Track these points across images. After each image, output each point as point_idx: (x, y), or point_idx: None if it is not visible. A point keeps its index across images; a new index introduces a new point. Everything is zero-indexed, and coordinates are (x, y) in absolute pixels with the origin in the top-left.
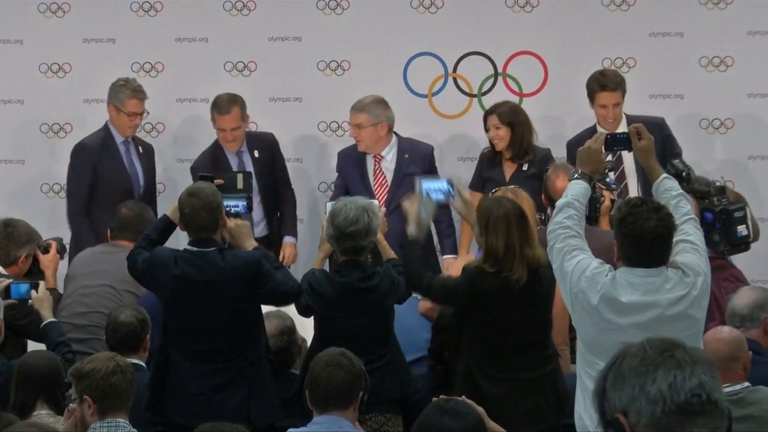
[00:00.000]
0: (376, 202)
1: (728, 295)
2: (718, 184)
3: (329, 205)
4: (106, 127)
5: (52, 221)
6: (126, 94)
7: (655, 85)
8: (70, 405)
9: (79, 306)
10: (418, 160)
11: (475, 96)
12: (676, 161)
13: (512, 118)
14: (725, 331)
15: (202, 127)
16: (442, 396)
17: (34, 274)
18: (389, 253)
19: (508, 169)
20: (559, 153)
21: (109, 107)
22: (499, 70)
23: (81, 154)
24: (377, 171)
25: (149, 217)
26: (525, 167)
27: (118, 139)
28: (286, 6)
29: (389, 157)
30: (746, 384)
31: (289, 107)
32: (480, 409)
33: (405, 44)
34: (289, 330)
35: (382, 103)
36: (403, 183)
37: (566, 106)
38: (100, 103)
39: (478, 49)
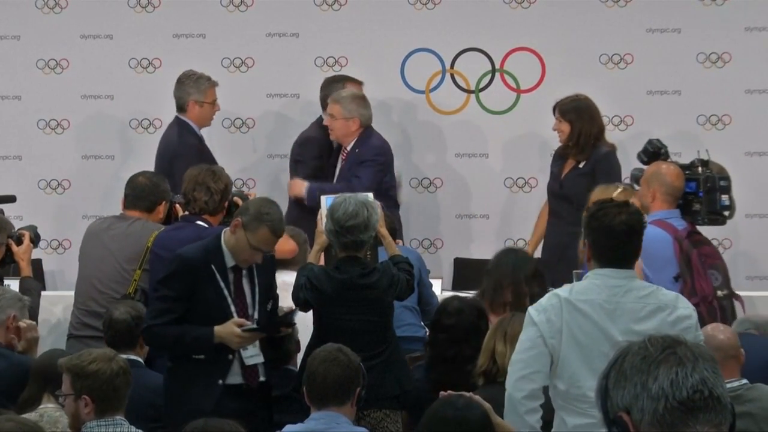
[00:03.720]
0: (371, 195)
1: (709, 271)
2: (701, 157)
3: (324, 198)
4: (185, 124)
5: (49, 217)
6: (206, 84)
7: (653, 82)
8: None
9: (93, 291)
10: (365, 155)
11: (472, 92)
12: (654, 139)
13: (572, 114)
14: (727, 328)
15: None
16: (449, 391)
17: (8, 264)
18: (393, 249)
19: (567, 166)
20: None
21: (189, 104)
22: (497, 66)
23: (192, 153)
24: (342, 162)
25: (165, 188)
26: (582, 165)
27: (198, 133)
28: (283, 2)
29: (348, 148)
30: (744, 381)
31: (286, 103)
32: (487, 405)
33: (402, 40)
34: None
35: (358, 99)
36: (344, 178)
37: None
38: (98, 99)
39: (476, 45)
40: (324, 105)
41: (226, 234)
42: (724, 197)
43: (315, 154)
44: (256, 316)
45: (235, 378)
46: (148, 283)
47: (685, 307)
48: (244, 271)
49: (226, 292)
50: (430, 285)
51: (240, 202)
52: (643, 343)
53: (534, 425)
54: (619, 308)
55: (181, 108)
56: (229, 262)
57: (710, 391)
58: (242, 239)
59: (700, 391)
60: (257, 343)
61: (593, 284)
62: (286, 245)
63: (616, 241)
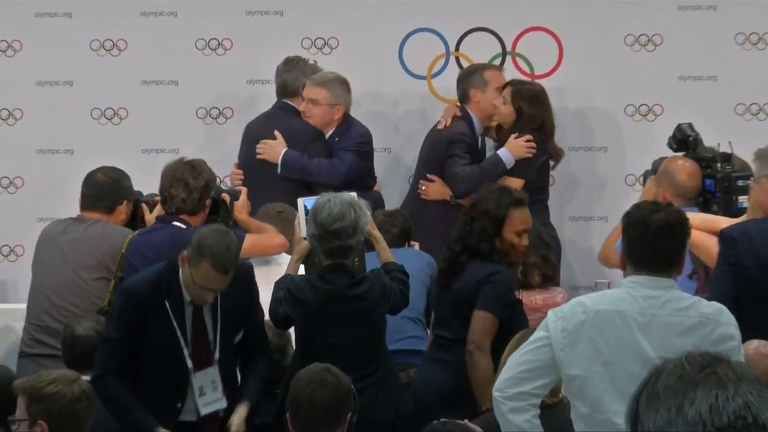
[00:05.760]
0: (355, 195)
1: None
2: (724, 150)
3: (302, 201)
4: (297, 111)
5: (0, 220)
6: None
7: (685, 66)
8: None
9: (47, 304)
10: (342, 145)
11: None
12: (684, 125)
13: (525, 104)
14: None
15: (171, 112)
16: (442, 419)
17: None
18: (387, 255)
19: None
20: (577, 143)
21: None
22: (508, 48)
23: (324, 139)
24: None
25: (126, 186)
26: None
27: None
28: None
29: (327, 137)
30: None
31: (269, 90)
32: None
33: (401, 19)
34: (274, 348)
35: (345, 84)
36: None
37: (583, 90)
38: (55, 86)
39: (484, 24)
40: (463, 101)
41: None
42: (743, 199)
43: (467, 150)
44: (217, 356)
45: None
46: None
47: (729, 323)
48: None
49: (179, 332)
50: None
51: (227, 198)
52: (680, 361)
53: (521, 424)
54: (654, 321)
55: (293, 91)
56: (187, 296)
57: (755, 418)
58: (188, 275)
59: (742, 418)
60: (218, 386)
61: (626, 293)
62: (273, 239)
63: (651, 238)
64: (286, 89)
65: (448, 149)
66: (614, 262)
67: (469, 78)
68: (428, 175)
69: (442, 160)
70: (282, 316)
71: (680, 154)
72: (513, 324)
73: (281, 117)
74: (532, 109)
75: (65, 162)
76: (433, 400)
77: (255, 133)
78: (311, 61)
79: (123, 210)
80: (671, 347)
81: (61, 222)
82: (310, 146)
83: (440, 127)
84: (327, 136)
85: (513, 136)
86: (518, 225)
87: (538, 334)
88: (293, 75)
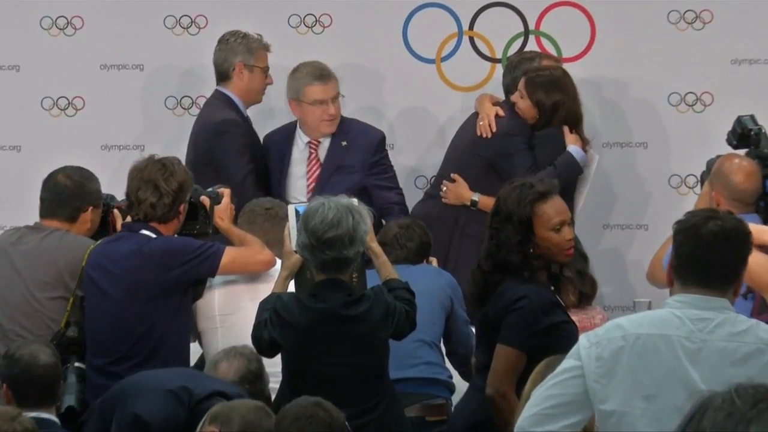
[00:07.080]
0: (355, 200)
1: None
2: None
3: (293, 207)
4: (226, 99)
5: None
6: (257, 44)
7: (739, 47)
8: None
9: None
10: (357, 151)
11: (497, 61)
12: (745, 117)
13: (542, 95)
14: None
15: (136, 102)
16: None
17: None
18: (389, 270)
19: None
20: (611, 138)
21: (236, 69)
22: (531, 26)
23: (238, 131)
24: (312, 161)
25: (92, 189)
26: None
27: (244, 112)
28: None
29: (325, 142)
30: None
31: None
32: None
33: None
34: (254, 376)
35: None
36: (332, 180)
37: (619, 76)
38: (3, 70)
39: None
40: (510, 91)
41: None
42: None
43: (527, 144)
44: None
45: None
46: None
47: None
48: None
49: None
50: (467, 321)
51: (207, 202)
52: (729, 394)
53: None
54: (705, 348)
55: (224, 75)
56: None
57: None
58: None
59: None
60: None
61: (671, 314)
62: (257, 255)
63: (703, 248)
64: (218, 73)
65: (508, 144)
66: (662, 279)
67: (524, 66)
68: (452, 175)
69: (492, 155)
70: (266, 342)
71: (740, 151)
72: (550, 351)
73: (201, 111)
74: (553, 96)
75: (11, 160)
76: (463, 427)
77: (194, 127)
78: (255, 35)
79: (88, 218)
80: (724, 378)
81: (16, 230)
82: (220, 139)
83: (483, 133)
84: (328, 139)
85: (567, 130)
86: (552, 219)
87: (569, 362)
88: (222, 55)
